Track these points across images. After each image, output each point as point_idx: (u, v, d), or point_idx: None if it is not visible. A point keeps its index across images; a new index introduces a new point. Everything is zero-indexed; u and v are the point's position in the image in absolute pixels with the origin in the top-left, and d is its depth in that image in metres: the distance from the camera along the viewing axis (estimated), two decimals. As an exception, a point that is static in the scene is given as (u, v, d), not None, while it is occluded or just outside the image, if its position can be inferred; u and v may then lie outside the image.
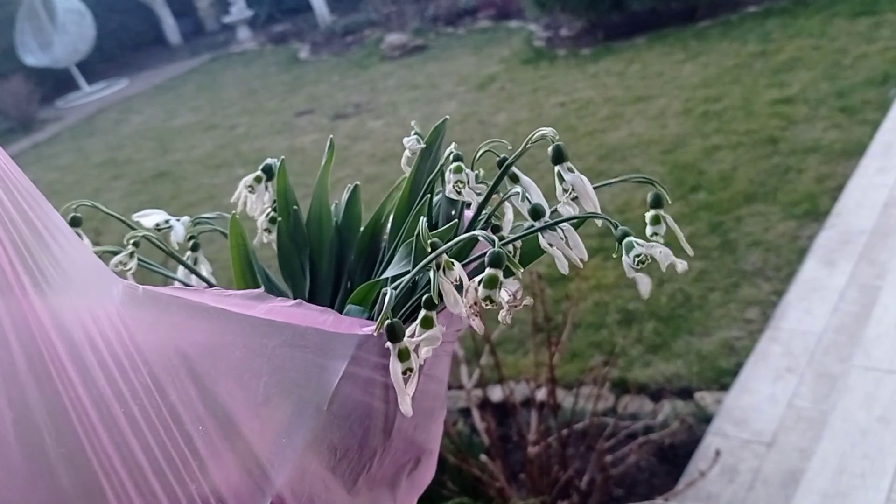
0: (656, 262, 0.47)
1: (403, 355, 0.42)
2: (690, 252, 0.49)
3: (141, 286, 0.44)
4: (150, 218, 0.63)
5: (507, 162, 0.52)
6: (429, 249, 0.46)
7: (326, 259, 0.61)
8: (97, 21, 10.11)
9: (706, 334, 2.21)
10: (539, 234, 0.48)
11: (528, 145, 0.50)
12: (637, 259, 0.45)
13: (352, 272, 0.62)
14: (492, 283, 0.41)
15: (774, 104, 3.71)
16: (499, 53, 6.38)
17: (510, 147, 0.53)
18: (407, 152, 0.60)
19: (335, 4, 10.16)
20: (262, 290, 0.47)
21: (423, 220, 0.48)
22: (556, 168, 0.48)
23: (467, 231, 0.52)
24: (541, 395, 1.78)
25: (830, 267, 2.32)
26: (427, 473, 0.59)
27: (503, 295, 0.41)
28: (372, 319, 0.49)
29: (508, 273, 0.45)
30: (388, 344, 0.43)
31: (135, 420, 0.40)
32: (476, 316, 0.41)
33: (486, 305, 0.42)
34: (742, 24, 5.24)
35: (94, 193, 5.46)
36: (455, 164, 0.52)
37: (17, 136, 8.10)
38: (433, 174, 0.58)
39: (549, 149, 0.48)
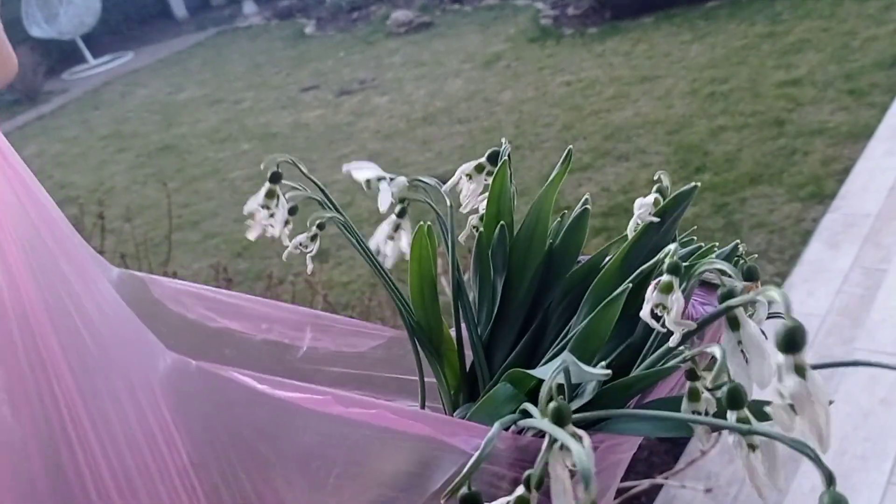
0: None
1: None
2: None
3: (195, 362, 0.40)
4: (362, 172, 0.53)
5: (731, 302, 0.35)
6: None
7: (526, 288, 0.51)
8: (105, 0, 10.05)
9: (709, 315, 2.21)
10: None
11: (756, 295, 0.35)
12: None
13: (552, 310, 0.52)
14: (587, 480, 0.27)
15: (781, 86, 3.69)
16: (505, 31, 6.34)
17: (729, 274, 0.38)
18: (636, 217, 0.47)
19: (341, -21, 10.09)
20: (330, 396, 0.40)
21: (554, 373, 0.33)
22: (779, 358, 0.31)
23: (658, 370, 0.41)
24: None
25: (835, 249, 2.32)
26: None
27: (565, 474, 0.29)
28: (521, 416, 0.38)
29: None
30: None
31: (158, 498, 0.37)
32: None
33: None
34: (751, 4, 5.20)
35: (99, 166, 5.46)
36: (666, 279, 0.38)
37: (23, 107, 8.08)
38: (652, 264, 0.44)
39: (779, 331, 0.31)
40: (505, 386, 0.44)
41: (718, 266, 0.38)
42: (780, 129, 3.25)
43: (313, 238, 0.52)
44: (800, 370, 0.30)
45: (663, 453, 1.78)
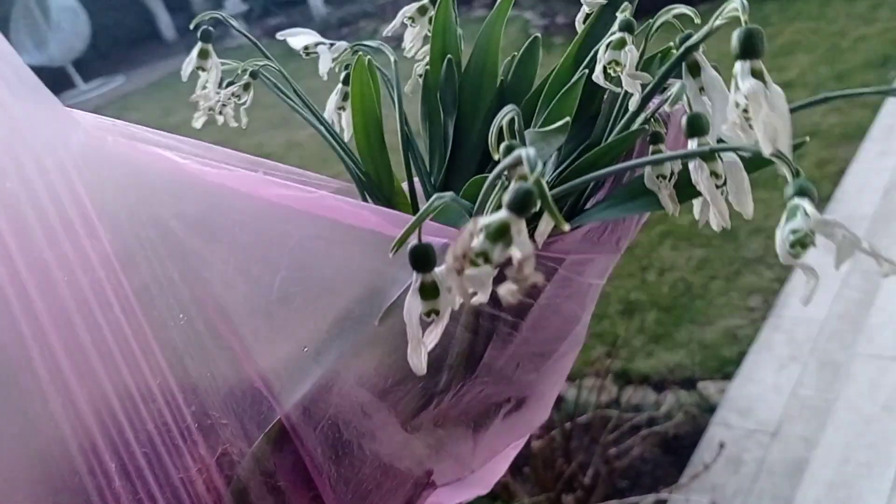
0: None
1: (428, 292, 0.29)
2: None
3: (112, 137, 0.35)
4: (298, 38, 0.51)
5: (689, 42, 0.35)
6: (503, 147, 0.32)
7: (479, 128, 0.46)
8: (92, 18, 10.05)
9: (708, 323, 2.20)
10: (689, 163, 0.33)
11: (719, 22, 0.34)
12: (796, 238, 0.27)
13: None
14: (498, 235, 0.24)
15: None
16: (495, 42, 6.34)
17: (698, 21, 0.37)
18: (585, 8, 0.43)
19: (330, -4, 10.12)
20: (261, 174, 0.37)
21: (507, 113, 0.33)
22: (737, 66, 0.30)
23: (620, 135, 0.37)
24: (543, 388, 1.77)
25: (832, 253, 2.30)
26: (532, 418, 0.46)
27: (514, 253, 0.24)
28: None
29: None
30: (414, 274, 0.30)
31: (81, 293, 0.33)
32: (457, 274, 0.24)
33: (479, 263, 0.26)
34: (739, 8, 5.21)
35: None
36: (618, 36, 0.36)
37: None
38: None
39: (735, 35, 0.30)
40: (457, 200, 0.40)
41: (680, 10, 0.37)
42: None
43: (245, 87, 0.49)
44: (757, 74, 0.29)
45: (668, 466, 1.76)
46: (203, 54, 0.47)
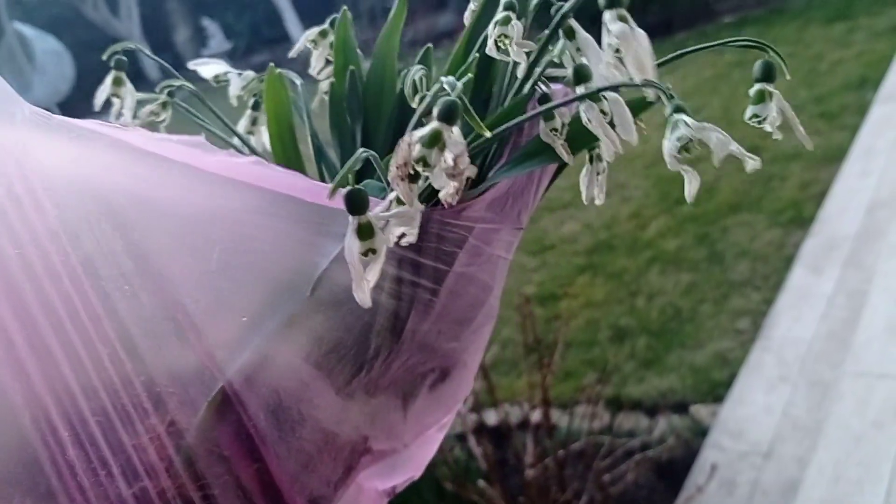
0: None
1: (364, 232, 0.33)
2: (809, 146, 0.39)
3: (56, 116, 0.37)
4: (208, 67, 0.54)
5: (563, 9, 0.39)
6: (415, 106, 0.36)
7: (384, 131, 0.50)
8: (76, 60, 10.10)
9: (698, 347, 2.21)
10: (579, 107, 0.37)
11: None
12: (681, 145, 0.33)
13: None
14: (433, 141, 0.30)
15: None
16: (479, 74, 6.41)
17: None
18: (472, 5, 0.48)
19: (314, 33, 10.18)
20: (202, 138, 0.40)
21: (416, 70, 0.39)
22: (605, 15, 0.35)
23: (514, 99, 0.42)
24: (536, 416, 1.77)
25: (818, 274, 2.33)
26: (458, 390, 0.49)
27: (446, 158, 0.30)
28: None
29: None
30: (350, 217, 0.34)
31: (30, 266, 0.34)
32: (402, 181, 0.30)
33: (420, 169, 0.31)
34: (718, 34, 5.29)
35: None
36: (503, 14, 0.41)
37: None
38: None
39: None
40: (374, 158, 0.41)
41: None
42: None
43: (164, 106, 0.51)
44: (622, 19, 0.35)
45: (662, 491, 1.76)
46: (117, 82, 0.49)
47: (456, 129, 0.30)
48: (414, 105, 0.38)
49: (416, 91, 0.42)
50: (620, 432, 1.90)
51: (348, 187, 0.33)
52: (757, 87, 0.41)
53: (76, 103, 10.56)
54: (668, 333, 2.31)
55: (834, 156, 3.04)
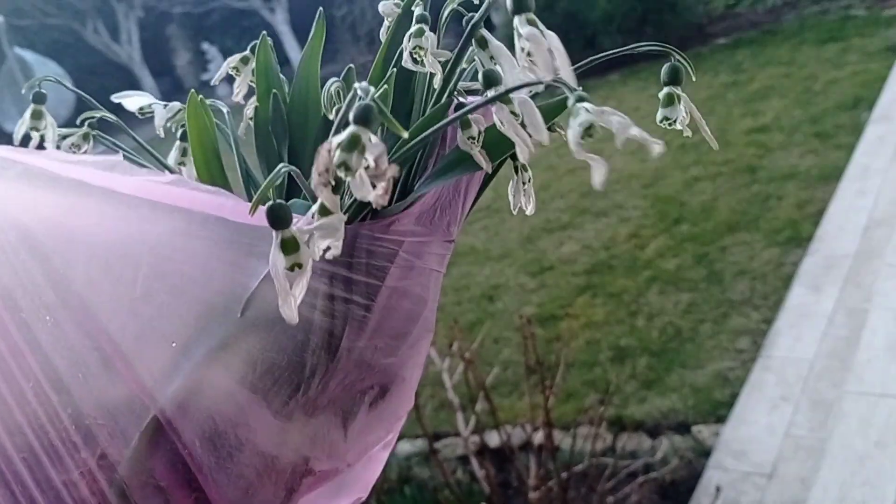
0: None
1: (289, 246, 0.33)
2: (715, 146, 0.41)
3: None
4: (132, 99, 0.54)
5: (473, 20, 0.41)
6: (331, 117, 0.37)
7: (310, 151, 0.49)
8: (76, 84, 10.10)
9: (699, 367, 2.21)
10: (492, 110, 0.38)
11: None
12: (584, 130, 0.33)
13: None
14: (352, 145, 0.30)
15: (750, 133, 3.77)
16: (476, 96, 6.45)
17: (476, 2, 0.43)
18: (386, 21, 0.50)
19: (312, 56, 10.26)
20: (120, 157, 0.39)
21: (331, 83, 0.40)
22: (515, 20, 0.36)
23: (433, 109, 0.43)
24: (538, 438, 1.77)
25: (817, 292, 2.33)
26: (398, 407, 0.48)
27: (367, 160, 0.30)
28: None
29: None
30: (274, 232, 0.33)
31: None
32: (325, 187, 0.30)
33: (342, 175, 0.31)
34: (713, 55, 5.34)
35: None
36: (416, 27, 0.42)
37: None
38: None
39: None
40: (294, 171, 0.40)
41: None
42: (753, 175, 3.30)
43: (85, 137, 0.50)
44: (531, 22, 0.35)
45: (666, 512, 1.75)
46: (36, 115, 0.49)
47: (373, 131, 0.31)
48: (331, 117, 0.39)
49: (333, 104, 0.44)
50: (623, 453, 1.90)
51: (269, 202, 0.33)
52: (665, 90, 0.42)
53: (76, 127, 10.59)
54: (669, 353, 2.31)
55: (830, 175, 3.06)
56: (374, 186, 0.30)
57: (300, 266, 0.33)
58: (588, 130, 0.33)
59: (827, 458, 1.71)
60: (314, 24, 0.50)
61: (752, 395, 2.00)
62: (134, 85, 12.14)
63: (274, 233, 0.33)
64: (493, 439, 1.97)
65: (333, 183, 0.30)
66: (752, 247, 2.76)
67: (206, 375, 0.37)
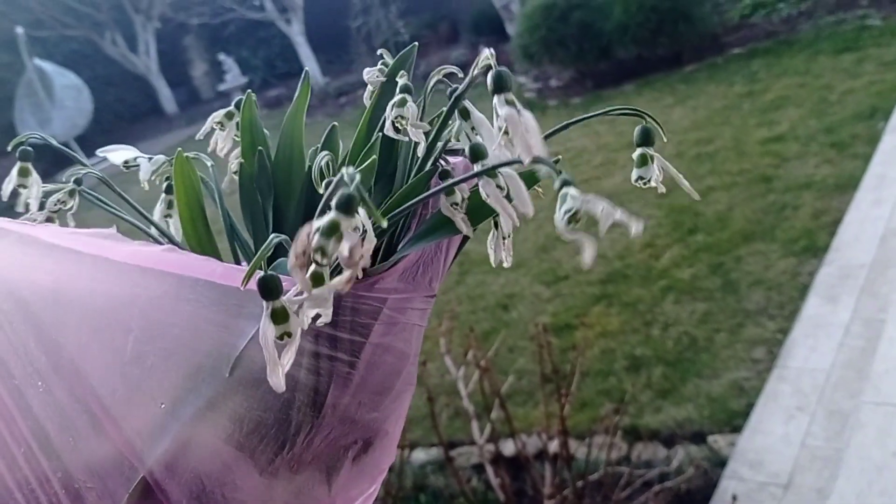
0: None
1: (279, 316, 0.34)
2: (696, 196, 0.42)
3: None
4: (117, 153, 0.54)
5: (457, 92, 0.42)
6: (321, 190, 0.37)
7: (294, 208, 0.51)
8: (94, 95, 10.27)
9: (715, 376, 2.21)
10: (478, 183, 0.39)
11: (477, 71, 0.41)
12: (568, 215, 0.34)
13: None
14: (331, 231, 0.31)
15: (765, 143, 3.76)
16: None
17: (461, 76, 0.44)
18: (370, 87, 0.51)
19: (328, 67, 10.34)
20: (114, 230, 0.40)
21: (322, 157, 0.41)
22: (494, 99, 0.37)
23: (415, 178, 0.44)
24: (553, 446, 1.77)
25: (833, 302, 2.33)
26: (381, 459, 0.49)
27: (342, 249, 0.31)
28: None
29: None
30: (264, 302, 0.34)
31: None
32: (301, 269, 0.31)
33: (319, 259, 0.32)
34: (728, 66, 5.33)
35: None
36: (399, 97, 0.43)
37: (20, 213, 8.16)
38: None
39: (489, 77, 0.37)
40: (287, 242, 0.41)
41: (449, 70, 0.44)
42: (768, 185, 3.29)
43: (71, 194, 0.51)
44: (510, 103, 0.36)
45: (681, 522, 1.75)
46: (23, 172, 0.49)
47: (354, 219, 0.31)
48: (321, 190, 0.39)
49: (322, 176, 0.43)
50: (638, 463, 1.90)
51: (261, 273, 0.34)
52: (638, 151, 0.42)
53: (93, 136, 10.70)
54: (684, 363, 2.31)
55: (846, 185, 3.05)
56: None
57: (289, 335, 0.34)
58: (573, 217, 0.34)
59: (844, 468, 1.71)
60: (300, 83, 0.51)
61: (768, 406, 2.00)
62: (151, 95, 12.24)
63: (264, 303, 0.34)
64: (509, 448, 1.97)
65: (310, 266, 0.31)
66: (768, 256, 2.76)
67: (193, 435, 0.37)
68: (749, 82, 4.81)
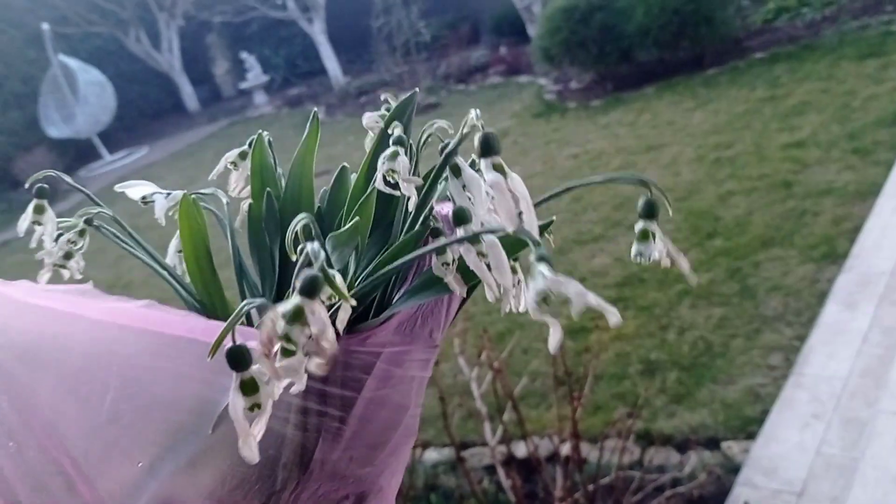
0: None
1: (248, 387, 0.33)
2: (693, 281, 0.39)
3: None
4: (135, 189, 0.54)
5: (448, 149, 0.41)
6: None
7: (300, 250, 0.53)
8: (117, 91, 10.37)
9: (730, 382, 2.19)
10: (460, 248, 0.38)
11: (466, 130, 0.41)
12: (539, 296, 0.33)
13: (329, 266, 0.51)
14: (295, 317, 0.29)
15: (786, 148, 3.73)
16: (510, 108, 6.46)
17: (451, 132, 0.43)
18: (370, 133, 0.50)
19: (348, 66, 10.38)
20: (90, 286, 0.40)
21: (300, 218, 0.39)
22: (481, 163, 0.36)
23: (406, 236, 0.44)
24: (565, 449, 1.77)
25: (852, 310, 2.30)
26: None
27: (306, 333, 0.30)
28: None
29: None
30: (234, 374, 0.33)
31: None
32: (266, 358, 0.30)
33: (286, 345, 0.31)
34: (749, 70, 5.29)
35: (117, 259, 5.53)
36: (391, 150, 0.42)
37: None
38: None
39: (476, 139, 0.36)
40: (267, 305, 0.43)
41: (440, 125, 0.44)
42: (788, 190, 3.26)
43: (81, 233, 0.51)
44: (498, 168, 0.35)
45: (693, 528, 1.74)
46: (38, 209, 0.49)
47: (316, 302, 0.30)
48: (293, 257, 0.37)
49: (297, 242, 0.41)
50: (651, 467, 1.89)
51: (229, 345, 0.32)
52: (640, 224, 0.41)
53: (116, 133, 10.80)
54: (700, 368, 2.30)
55: (868, 191, 3.02)
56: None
57: (259, 406, 0.33)
58: (544, 300, 0.33)
59: (859, 477, 1.69)
60: (308, 123, 0.50)
61: (784, 413, 1.98)
62: (173, 92, 12.34)
63: (234, 374, 0.33)
64: (521, 450, 1.97)
65: (277, 351, 0.30)
66: (787, 262, 2.73)
67: (174, 493, 0.37)
68: (771, 87, 4.77)
